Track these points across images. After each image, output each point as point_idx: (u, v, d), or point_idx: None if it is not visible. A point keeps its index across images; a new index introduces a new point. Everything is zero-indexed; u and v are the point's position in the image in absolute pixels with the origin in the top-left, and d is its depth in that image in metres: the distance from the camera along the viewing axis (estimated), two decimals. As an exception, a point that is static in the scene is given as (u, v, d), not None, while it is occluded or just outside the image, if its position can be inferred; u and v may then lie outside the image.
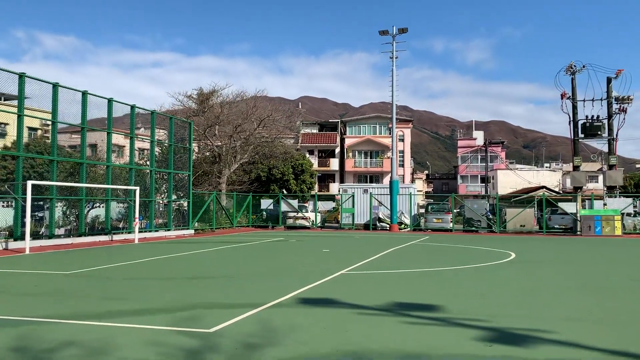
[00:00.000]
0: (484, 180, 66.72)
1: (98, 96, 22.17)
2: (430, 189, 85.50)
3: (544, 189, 48.68)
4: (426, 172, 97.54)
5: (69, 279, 10.17)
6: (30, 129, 40.63)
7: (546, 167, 77.16)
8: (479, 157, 68.98)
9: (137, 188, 22.14)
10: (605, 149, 33.33)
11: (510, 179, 60.42)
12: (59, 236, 21.06)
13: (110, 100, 22.75)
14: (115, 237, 22.39)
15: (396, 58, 33.13)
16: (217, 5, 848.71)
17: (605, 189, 34.28)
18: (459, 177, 70.70)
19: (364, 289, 8.95)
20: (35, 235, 20.49)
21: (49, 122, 38.65)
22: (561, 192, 54.60)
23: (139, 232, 24.22)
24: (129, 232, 23.09)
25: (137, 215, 21.79)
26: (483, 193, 61.54)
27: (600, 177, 61.57)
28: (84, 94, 21.33)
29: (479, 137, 72.28)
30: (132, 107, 24.31)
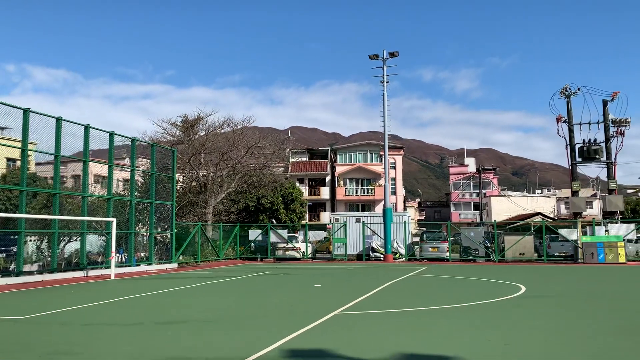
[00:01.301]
0: (477, 207, 65.70)
1: (74, 122, 20.89)
2: (422, 217, 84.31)
3: (540, 215, 47.65)
4: (418, 200, 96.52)
5: (17, 325, 8.68)
6: (9, 159, 39.14)
7: (538, 193, 76.49)
8: (472, 184, 68.12)
9: (114, 220, 20.65)
10: (602, 174, 32.54)
11: (504, 206, 59.43)
12: (30, 272, 19.45)
13: (87, 127, 21.47)
14: (92, 273, 20.80)
15: (387, 82, 32.33)
16: (208, 37, 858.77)
17: (601, 214, 33.42)
18: (451, 204, 69.63)
19: (362, 335, 7.56)
20: (4, 272, 18.92)
21: (29, 153, 36.92)
22: (556, 218, 53.61)
23: (118, 266, 22.69)
24: (107, 267, 21.48)
25: (113, 249, 20.24)
26: (476, 220, 60.41)
27: (595, 203, 60.93)
28: (58, 120, 20.02)
29: (470, 164, 71.56)
30: (111, 134, 23.02)
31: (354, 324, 8.57)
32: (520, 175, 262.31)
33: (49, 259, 20.60)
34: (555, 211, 59.68)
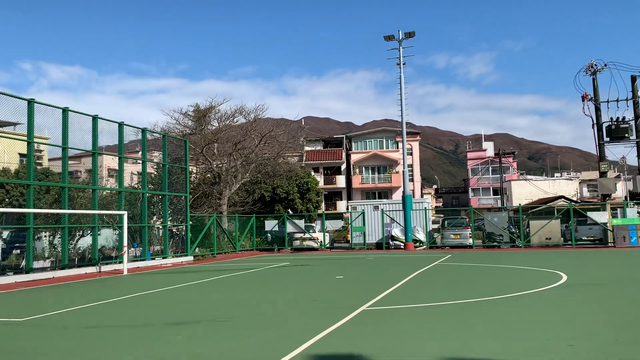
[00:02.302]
0: (497, 192, 64.19)
1: (81, 113, 20.13)
2: (439, 204, 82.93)
3: (563, 199, 46.16)
4: (435, 186, 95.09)
5: (15, 329, 7.91)
6: (21, 155, 38.77)
7: (557, 176, 74.55)
8: (490, 168, 66.57)
9: (125, 213, 19.92)
10: (631, 154, 31.07)
11: (525, 190, 57.88)
12: (44, 269, 18.86)
13: (95, 118, 20.71)
14: (105, 268, 20.13)
15: (404, 64, 31.12)
16: (220, 30, 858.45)
17: (628, 196, 32.03)
18: (470, 190, 68.18)
19: (397, 336, 6.63)
20: (15, 270, 18.35)
21: (41, 147, 36.18)
22: (579, 201, 52.00)
23: (132, 261, 22.06)
24: (120, 262, 20.81)
25: (125, 243, 19.53)
26: (496, 205, 58.98)
27: (619, 185, 59.00)
28: (65, 110, 19.27)
29: (488, 148, 69.87)
30: (120, 124, 22.26)
31: (385, 321, 7.64)
32: (537, 159, 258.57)
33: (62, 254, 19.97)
34: (578, 194, 57.98)
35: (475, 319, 7.57)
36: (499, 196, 61.44)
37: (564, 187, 58.21)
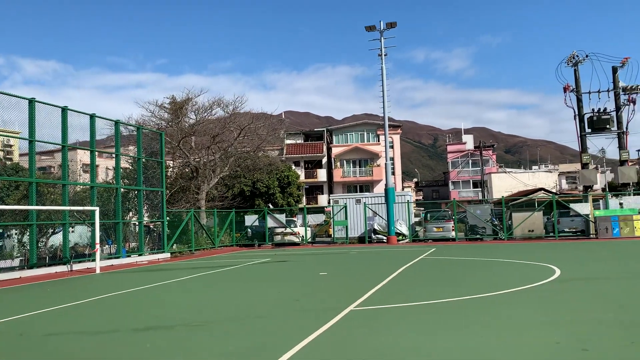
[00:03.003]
0: (476, 185, 64.26)
1: (48, 104, 19.05)
2: (419, 197, 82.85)
3: (542, 191, 46.29)
4: (415, 179, 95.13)
5: (-35, 340, 7.08)
6: (-12, 150, 37.24)
7: (535, 169, 74.96)
8: (470, 161, 66.61)
9: (97, 209, 18.96)
10: (612, 146, 31.06)
11: (505, 183, 58.04)
12: (12, 269, 17.86)
13: (64, 109, 19.66)
14: (77, 267, 19.19)
15: (385, 55, 30.53)
16: (199, 25, 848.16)
17: (604, 188, 32.14)
18: (450, 183, 68.17)
19: (391, 339, 6.00)
20: (-20, 270, 17.32)
21: (12, 143, 34.79)
22: (558, 193, 52.30)
23: (107, 258, 21.17)
24: (93, 260, 19.86)
25: (97, 240, 18.60)
26: (476, 198, 59.00)
27: (598, 176, 59.53)
28: (31, 102, 18.19)
29: (468, 141, 69.90)
30: (92, 116, 21.23)
31: (376, 324, 7.01)
32: (513, 153, 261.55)
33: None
34: (557, 186, 58.33)
35: (475, 320, 6.99)
36: (479, 189, 61.52)
37: (544, 179, 58.55)
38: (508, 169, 68.85)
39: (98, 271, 17.84)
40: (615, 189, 39.33)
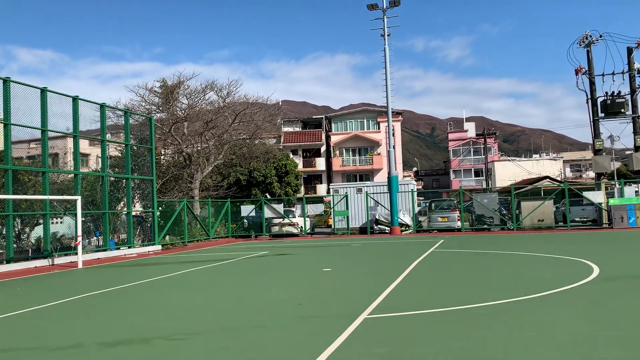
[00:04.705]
0: (478, 173, 62.91)
1: (24, 84, 17.52)
2: (420, 187, 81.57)
3: (548, 179, 44.94)
4: (415, 168, 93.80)
5: None
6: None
7: (535, 157, 73.61)
8: (472, 150, 65.21)
9: (78, 198, 17.50)
10: (626, 130, 29.65)
11: (509, 171, 56.70)
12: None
13: (43, 90, 18.14)
14: (60, 261, 17.80)
15: (388, 35, 28.96)
16: (196, 13, 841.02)
17: (612, 175, 30.77)
18: (451, 172, 66.80)
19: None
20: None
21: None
22: (563, 181, 50.99)
23: (93, 251, 19.83)
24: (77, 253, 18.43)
25: (79, 232, 17.15)
26: (478, 187, 57.63)
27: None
28: (6, 81, 16.67)
29: (470, 129, 68.48)
30: (74, 98, 19.71)
31: (399, 337, 5.58)
32: (511, 142, 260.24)
33: (15, 246, 17.49)
34: (562, 174, 57.03)
35: (523, 332, 5.58)
36: (481, 177, 60.17)
37: (548, 167, 57.22)
38: (512, 157, 67.49)
39: (80, 266, 16.41)
40: (625, 176, 38.02)
